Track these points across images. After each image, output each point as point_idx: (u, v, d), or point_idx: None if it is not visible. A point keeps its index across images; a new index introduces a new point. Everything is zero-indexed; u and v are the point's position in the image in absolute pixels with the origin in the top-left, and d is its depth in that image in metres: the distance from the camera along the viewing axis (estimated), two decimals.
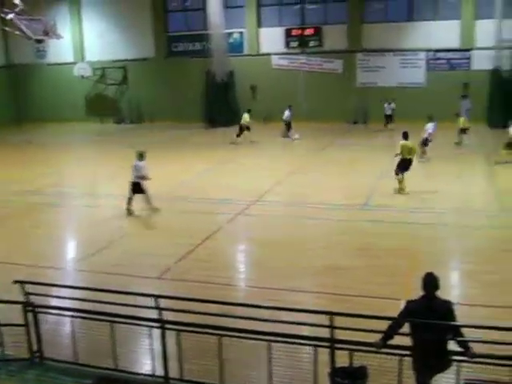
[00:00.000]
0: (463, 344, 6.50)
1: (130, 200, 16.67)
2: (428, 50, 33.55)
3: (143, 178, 16.37)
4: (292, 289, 11.14)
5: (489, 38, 31.59)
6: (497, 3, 31.06)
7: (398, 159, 18.23)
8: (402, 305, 6.74)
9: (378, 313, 7.56)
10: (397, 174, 18.19)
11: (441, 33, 32.97)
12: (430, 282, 6.59)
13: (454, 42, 33.07)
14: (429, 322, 6.45)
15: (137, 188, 16.51)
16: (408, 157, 18.09)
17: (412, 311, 6.59)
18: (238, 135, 29.26)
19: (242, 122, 29.50)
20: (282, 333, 7.26)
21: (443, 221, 15.44)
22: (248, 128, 29.30)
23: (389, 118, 31.73)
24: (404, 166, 18.12)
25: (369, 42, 34.74)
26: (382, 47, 34.42)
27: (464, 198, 17.65)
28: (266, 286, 11.22)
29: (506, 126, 23.04)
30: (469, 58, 33.00)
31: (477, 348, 6.52)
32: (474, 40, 32.71)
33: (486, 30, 31.76)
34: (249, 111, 29.89)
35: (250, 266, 13.40)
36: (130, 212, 16.71)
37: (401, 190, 18.16)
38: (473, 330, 7.08)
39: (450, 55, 33.40)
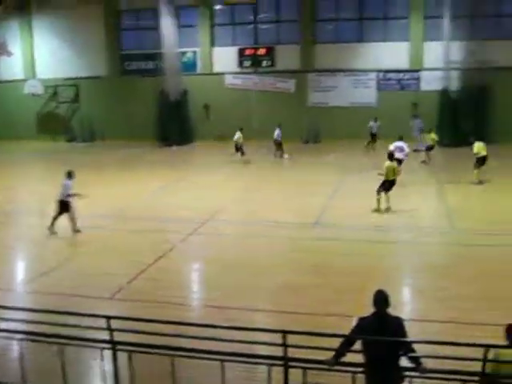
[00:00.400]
0: (415, 359, 6.57)
1: (54, 219, 16.34)
2: (378, 71, 34.26)
3: (70, 196, 16.12)
4: (246, 307, 11.10)
5: (437, 60, 32.45)
6: (444, 26, 31.94)
7: (380, 178, 18.40)
8: (354, 322, 6.78)
9: (331, 330, 7.59)
10: (378, 193, 18.34)
11: (391, 54, 33.74)
12: (381, 299, 6.65)
13: (404, 63, 33.86)
14: (380, 339, 6.50)
15: (64, 207, 16.21)
16: (392, 178, 18.35)
17: (363, 328, 6.63)
18: (242, 153, 28.99)
19: (235, 140, 29.04)
20: (235, 352, 7.21)
21: (395, 238, 15.66)
22: (240, 148, 28.90)
23: (374, 137, 31.53)
24: (388, 186, 18.36)
25: (321, 63, 35.26)
26: (334, 67, 34.98)
27: (416, 216, 17.96)
28: (220, 305, 11.15)
29: (470, 143, 23.02)
30: (418, 79, 33.80)
31: (429, 363, 6.60)
32: (422, 61, 33.55)
33: (434, 52, 32.64)
34: (241, 130, 29.31)
35: (204, 285, 13.32)
36: (52, 231, 16.36)
37: (378, 210, 18.24)
38: (424, 345, 7.17)
39: (399, 76, 34.13)
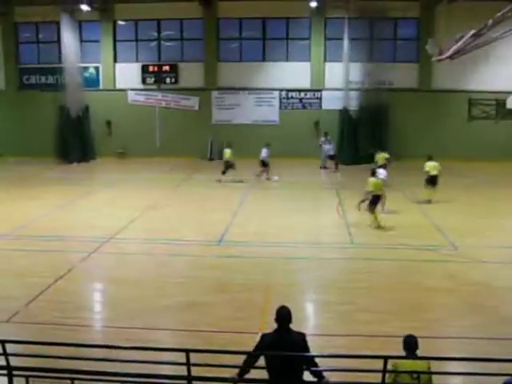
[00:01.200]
0: (317, 374, 6.67)
1: None
2: (281, 90, 34.87)
3: None
4: (150, 327, 10.93)
5: (337, 80, 33.46)
6: (344, 47, 33.04)
7: (368, 197, 18.81)
8: (257, 338, 6.81)
9: (236, 347, 7.59)
10: (372, 211, 18.68)
11: (293, 73, 34.46)
12: (283, 315, 6.73)
13: (306, 83, 34.65)
14: (283, 355, 6.56)
15: None
16: (379, 192, 18.81)
17: (267, 344, 6.68)
18: (224, 172, 27.20)
19: (225, 158, 27.61)
20: (138, 373, 7.08)
21: (297, 254, 15.89)
22: (232, 165, 27.25)
23: (332, 158, 31.24)
24: (377, 201, 18.81)
25: (224, 81, 35.53)
26: (238, 86, 35.33)
27: (316, 232, 18.37)
28: (122, 326, 10.92)
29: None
30: (319, 98, 34.66)
31: (332, 377, 6.72)
32: (323, 81, 34.45)
33: (334, 72, 33.60)
34: (229, 146, 27.80)
35: (106, 305, 13.00)
36: None
37: (379, 226, 18.59)
38: (328, 359, 7.30)
39: (301, 95, 34.88)
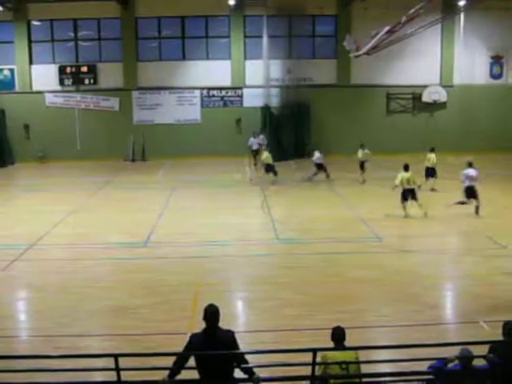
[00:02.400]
0: (248, 371, 6.72)
1: None
2: (202, 88, 34.78)
3: None
4: (78, 334, 10.70)
5: (258, 77, 33.67)
6: (264, 45, 33.27)
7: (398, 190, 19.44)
8: (187, 339, 6.81)
9: (166, 349, 7.55)
10: (402, 202, 19.36)
11: (214, 72, 34.42)
12: (211, 314, 6.74)
13: (227, 81, 34.69)
14: (212, 353, 6.57)
15: None
16: (407, 187, 19.30)
17: (195, 344, 6.68)
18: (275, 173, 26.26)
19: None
20: (68, 382, 6.94)
21: (224, 252, 15.92)
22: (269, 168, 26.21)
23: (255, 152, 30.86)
24: (407, 194, 19.36)
25: (145, 80, 35.11)
26: (158, 85, 34.99)
27: (242, 229, 18.46)
28: (49, 334, 10.65)
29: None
30: (241, 96, 34.77)
31: (262, 372, 6.78)
32: (244, 79, 34.58)
33: (255, 70, 33.81)
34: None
35: (31, 314, 12.61)
36: None
37: (407, 216, 19.23)
38: (257, 355, 7.35)
39: (223, 93, 34.92)
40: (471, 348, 7.02)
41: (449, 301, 13.36)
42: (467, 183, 19.53)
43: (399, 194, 19.55)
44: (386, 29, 20.81)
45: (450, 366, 6.88)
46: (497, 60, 35.29)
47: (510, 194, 23.41)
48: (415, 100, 34.98)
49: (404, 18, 20.16)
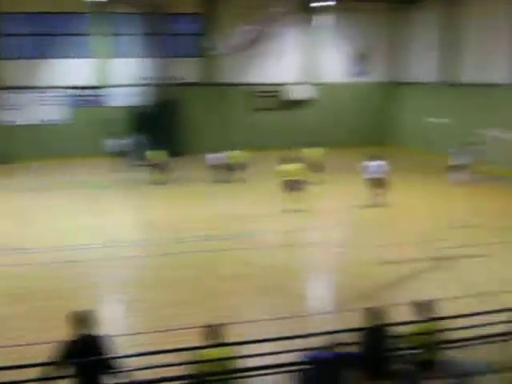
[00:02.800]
0: (122, 374, 6.65)
1: None
2: (67, 87, 33.65)
3: None
4: None
5: (124, 76, 33.10)
6: (131, 43, 32.74)
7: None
8: (61, 346, 6.62)
9: (41, 359, 7.26)
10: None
11: (79, 70, 33.39)
12: (83, 320, 6.61)
13: (93, 80, 33.79)
14: (86, 360, 6.44)
15: None
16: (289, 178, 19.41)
17: (69, 351, 6.52)
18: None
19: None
20: None
21: (97, 255, 15.56)
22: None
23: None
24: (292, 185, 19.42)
25: (6, 79, 33.44)
26: (21, 84, 33.43)
27: (115, 231, 18.08)
28: None
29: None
30: (107, 95, 34.00)
31: (140, 375, 6.72)
32: (111, 77, 33.84)
33: (121, 68, 33.19)
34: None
35: None
36: None
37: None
38: (135, 358, 7.26)
39: (89, 92, 33.98)
40: (343, 336, 7.35)
41: (320, 292, 13.86)
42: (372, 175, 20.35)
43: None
44: (251, 28, 21.16)
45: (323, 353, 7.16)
46: (360, 58, 36.80)
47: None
48: (279, 98, 35.73)
49: (269, 18, 20.59)
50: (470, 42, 30.40)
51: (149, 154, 26.20)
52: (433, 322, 7.80)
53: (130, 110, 32.93)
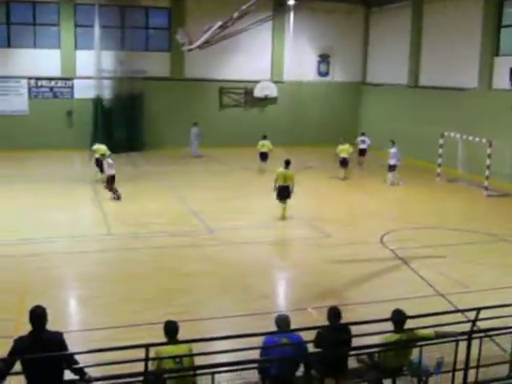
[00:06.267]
0: (79, 371, 6.52)
1: None
2: (30, 78, 33.05)
3: None
4: None
5: (89, 68, 32.61)
6: (95, 35, 32.29)
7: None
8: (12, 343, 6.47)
9: None
10: (281, 201, 18.78)
11: (43, 61, 32.77)
12: (38, 316, 6.49)
13: (56, 71, 33.22)
14: (40, 357, 6.28)
15: None
16: (282, 184, 18.58)
17: (21, 348, 6.36)
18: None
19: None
20: None
21: (54, 250, 15.28)
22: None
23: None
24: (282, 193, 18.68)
25: None
26: None
27: (72, 226, 17.72)
28: None
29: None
30: (71, 87, 33.49)
31: (94, 372, 6.61)
32: (75, 69, 33.32)
33: (86, 60, 32.68)
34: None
35: None
36: None
37: (284, 218, 18.72)
38: (89, 354, 7.13)
39: (52, 83, 33.43)
40: (301, 334, 7.40)
41: (279, 289, 13.90)
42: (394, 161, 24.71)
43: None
44: (219, 24, 20.98)
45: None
46: (324, 58, 37.03)
47: (333, 184, 24.70)
48: (247, 95, 35.72)
49: (236, 14, 20.48)
50: (434, 46, 30.78)
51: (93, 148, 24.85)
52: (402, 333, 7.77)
53: (94, 102, 32.51)
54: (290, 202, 18.83)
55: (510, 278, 13.67)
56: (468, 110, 27.41)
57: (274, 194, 18.86)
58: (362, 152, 28.97)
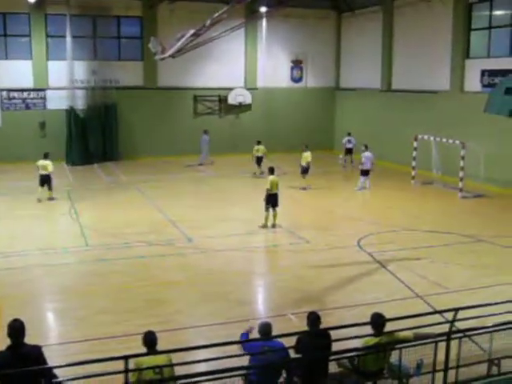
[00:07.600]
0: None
1: None
2: (2, 90, 32.70)
3: None
4: None
5: (62, 79, 32.37)
6: (67, 45, 32.06)
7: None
8: None
9: None
10: (267, 209, 18.45)
11: (14, 72, 32.46)
12: (16, 330, 6.41)
13: (29, 82, 32.92)
14: (17, 371, 6.19)
15: None
16: (275, 191, 18.49)
17: (0, 363, 6.26)
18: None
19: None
20: None
21: (29, 262, 15.07)
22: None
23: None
24: (273, 200, 18.53)
25: None
26: None
27: (48, 237, 17.62)
28: None
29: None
30: (44, 98, 33.21)
31: None
32: (47, 80, 33.06)
33: (58, 71, 32.42)
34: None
35: None
36: None
37: (266, 227, 18.51)
38: (67, 368, 7.04)
39: (24, 95, 33.12)
40: (281, 340, 7.37)
41: (259, 296, 13.89)
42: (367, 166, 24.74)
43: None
44: (191, 32, 21.00)
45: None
46: (297, 64, 37.18)
47: (308, 190, 24.74)
48: (221, 102, 35.71)
49: (208, 22, 20.50)
50: (406, 50, 31.09)
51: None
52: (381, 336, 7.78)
53: (68, 113, 32.25)
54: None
55: (487, 278, 13.83)
56: (441, 112, 27.75)
57: (264, 203, 18.61)
58: (349, 151, 31.31)
